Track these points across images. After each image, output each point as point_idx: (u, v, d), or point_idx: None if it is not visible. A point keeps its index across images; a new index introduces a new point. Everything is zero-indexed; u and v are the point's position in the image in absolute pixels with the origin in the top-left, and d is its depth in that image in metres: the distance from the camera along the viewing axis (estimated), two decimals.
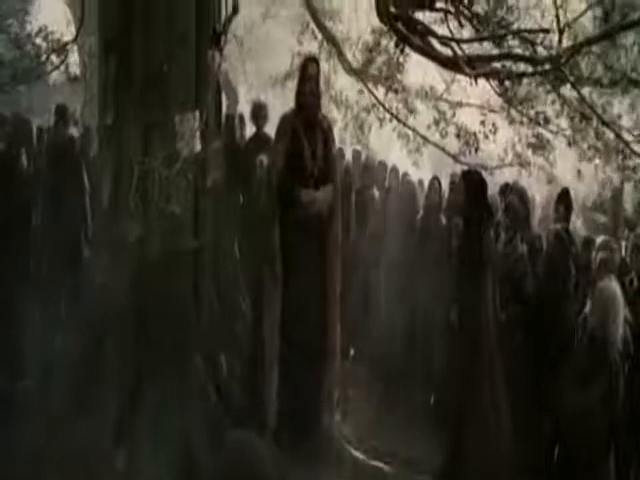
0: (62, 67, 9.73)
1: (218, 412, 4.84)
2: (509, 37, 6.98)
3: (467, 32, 7.45)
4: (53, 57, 9.09)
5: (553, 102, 7.40)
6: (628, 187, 8.95)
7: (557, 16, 6.61)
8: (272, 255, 4.88)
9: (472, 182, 5.33)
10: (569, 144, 7.82)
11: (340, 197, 6.61)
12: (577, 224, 7.52)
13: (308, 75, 5.02)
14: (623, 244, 6.21)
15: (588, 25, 7.34)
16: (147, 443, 4.47)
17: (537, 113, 7.60)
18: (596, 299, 4.51)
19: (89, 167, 6.98)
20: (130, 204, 5.09)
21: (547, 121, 7.73)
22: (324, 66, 10.42)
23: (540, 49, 6.94)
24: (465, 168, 6.76)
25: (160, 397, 4.61)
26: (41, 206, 6.99)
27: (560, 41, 6.66)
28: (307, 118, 5.01)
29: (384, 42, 8.66)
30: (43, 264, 6.98)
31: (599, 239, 5.41)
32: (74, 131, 8.10)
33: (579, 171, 8.24)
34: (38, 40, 10.04)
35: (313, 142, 4.98)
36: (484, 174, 6.16)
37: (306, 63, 5.11)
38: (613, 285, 4.54)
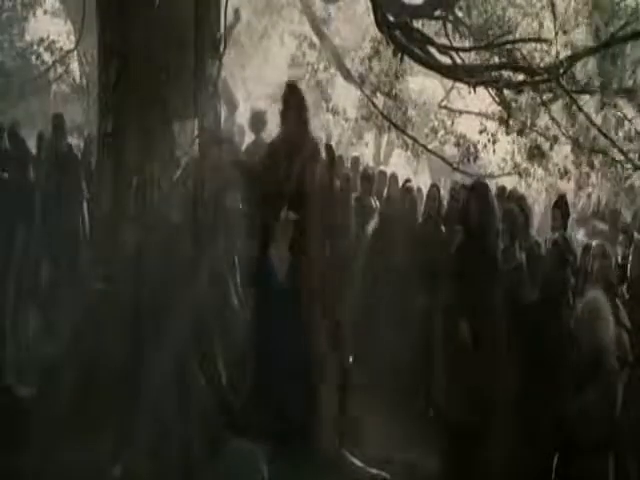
0: (64, 76, 9.78)
1: (217, 422, 4.84)
2: (507, 47, 7.01)
3: (466, 42, 7.50)
4: (55, 66, 9.14)
5: (552, 111, 7.42)
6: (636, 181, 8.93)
7: (555, 27, 6.65)
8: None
9: (481, 193, 5.37)
10: (568, 152, 7.84)
11: (341, 206, 6.68)
12: (575, 231, 7.52)
13: (289, 105, 5.03)
14: (620, 251, 6.22)
15: (585, 36, 7.37)
16: (145, 454, 4.47)
17: (536, 122, 7.62)
18: (584, 310, 4.52)
19: (89, 174, 7.01)
20: (129, 211, 5.11)
21: (546, 130, 7.75)
22: (323, 75, 10.50)
23: (538, 59, 6.98)
24: (470, 178, 6.79)
25: (159, 406, 4.61)
26: (40, 213, 7.02)
27: (557, 52, 6.70)
28: (290, 143, 5.03)
29: (383, 50, 8.69)
30: (41, 271, 6.99)
31: (593, 244, 5.43)
32: (75, 139, 8.14)
33: (577, 179, 8.25)
34: (40, 50, 10.11)
35: (290, 166, 5.00)
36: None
37: (286, 92, 5.10)
38: (599, 296, 4.54)
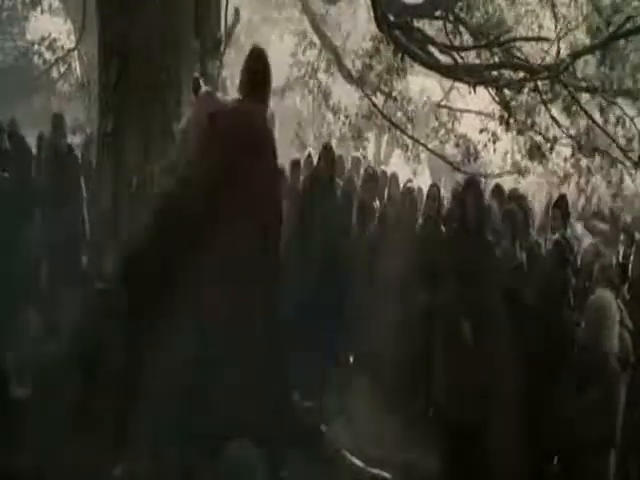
0: (66, 74, 9.79)
1: (216, 424, 4.82)
2: (507, 47, 7.01)
3: (466, 42, 7.51)
4: (57, 65, 9.15)
5: (552, 110, 7.42)
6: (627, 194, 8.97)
7: (555, 24, 6.65)
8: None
9: (476, 189, 5.40)
10: (569, 151, 7.85)
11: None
12: (576, 231, 7.52)
13: (251, 74, 4.32)
14: (622, 251, 6.22)
15: (585, 34, 7.38)
16: (146, 455, 4.46)
17: (536, 121, 7.62)
18: (590, 310, 4.51)
19: (89, 174, 7.00)
20: (130, 212, 5.10)
21: (546, 129, 7.75)
22: (323, 75, 10.50)
23: (538, 59, 6.99)
24: (466, 176, 6.79)
25: (157, 408, 4.60)
26: (40, 213, 7.01)
27: (558, 50, 6.71)
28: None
29: (383, 50, 8.70)
30: (41, 271, 6.99)
31: (587, 242, 5.43)
32: (77, 138, 8.13)
33: (577, 178, 8.26)
34: (42, 49, 10.12)
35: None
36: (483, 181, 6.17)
37: (250, 57, 4.36)
38: (607, 295, 4.53)
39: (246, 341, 4.47)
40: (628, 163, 7.08)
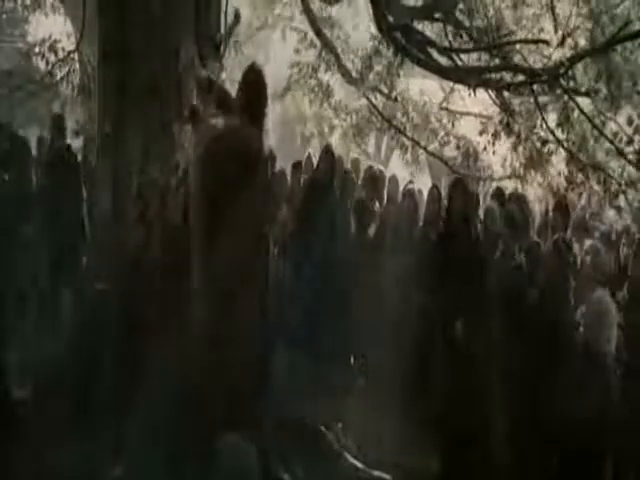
0: (67, 76, 9.82)
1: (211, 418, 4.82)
2: (507, 50, 7.03)
3: (466, 45, 7.52)
4: (59, 67, 9.18)
5: (551, 113, 7.43)
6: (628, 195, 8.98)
7: (555, 28, 6.67)
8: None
9: (463, 189, 5.44)
10: (568, 154, 7.85)
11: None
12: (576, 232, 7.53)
13: (246, 92, 4.37)
14: (623, 251, 6.23)
15: (585, 37, 7.39)
16: (140, 453, 4.47)
17: (535, 124, 7.63)
18: (589, 312, 4.52)
19: (89, 175, 7.00)
20: (130, 213, 5.12)
21: (546, 132, 7.75)
22: (323, 75, 10.52)
23: (538, 63, 7.01)
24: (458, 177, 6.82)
25: (154, 405, 4.60)
26: (40, 213, 7.01)
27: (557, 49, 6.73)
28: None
29: (383, 51, 8.71)
30: (41, 271, 6.99)
31: (587, 243, 5.45)
32: (77, 139, 8.13)
33: (578, 179, 8.26)
34: (43, 50, 10.15)
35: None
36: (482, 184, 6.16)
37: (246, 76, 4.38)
38: (606, 297, 4.54)
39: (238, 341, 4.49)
40: (624, 179, 7.14)
